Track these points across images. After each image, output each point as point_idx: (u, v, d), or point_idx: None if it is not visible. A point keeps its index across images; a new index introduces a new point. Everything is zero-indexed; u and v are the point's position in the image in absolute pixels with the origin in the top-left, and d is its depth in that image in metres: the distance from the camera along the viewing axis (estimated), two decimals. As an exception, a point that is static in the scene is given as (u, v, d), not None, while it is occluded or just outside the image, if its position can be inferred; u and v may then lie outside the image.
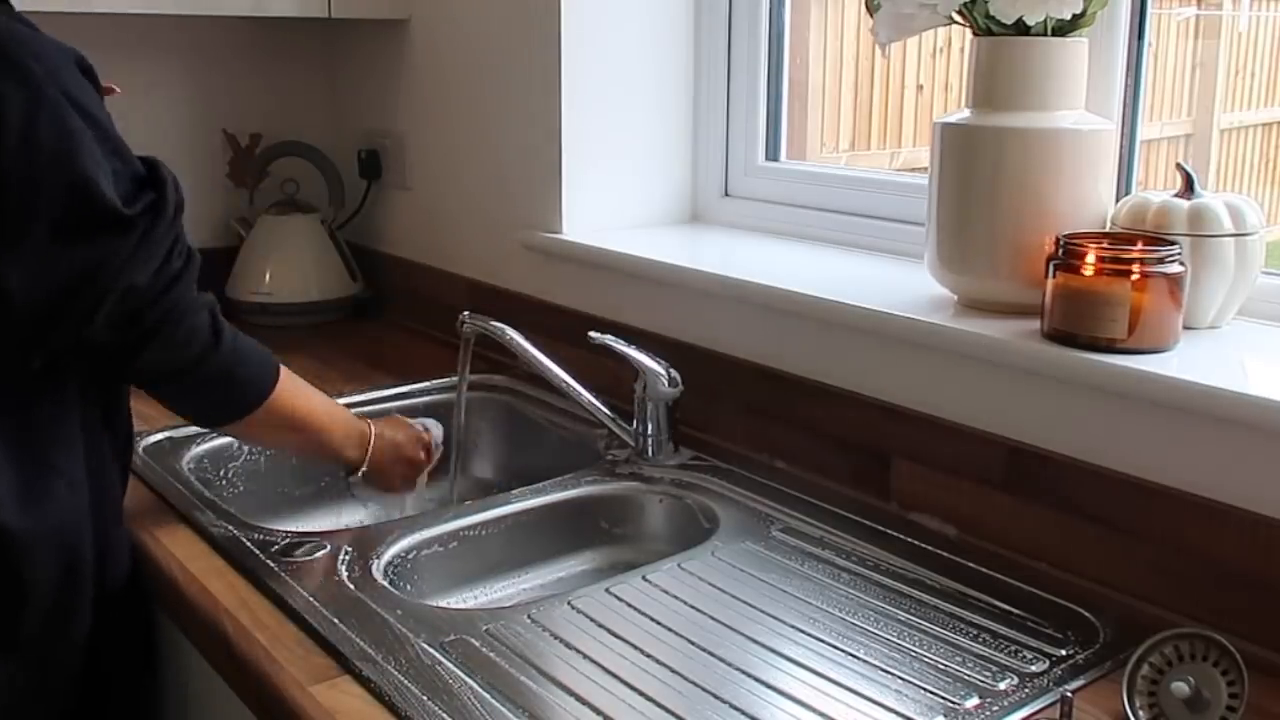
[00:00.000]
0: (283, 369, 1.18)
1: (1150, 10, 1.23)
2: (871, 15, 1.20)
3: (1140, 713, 0.85)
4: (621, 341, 1.36)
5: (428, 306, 1.94)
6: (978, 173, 1.15)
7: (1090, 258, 1.06)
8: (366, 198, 2.10)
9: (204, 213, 2.04)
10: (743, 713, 0.87)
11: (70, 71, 0.98)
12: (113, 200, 0.98)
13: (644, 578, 1.09)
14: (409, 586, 1.16)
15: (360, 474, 1.29)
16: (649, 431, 1.36)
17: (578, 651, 0.96)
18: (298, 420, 1.21)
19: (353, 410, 1.33)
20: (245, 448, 1.46)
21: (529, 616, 1.01)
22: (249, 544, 1.15)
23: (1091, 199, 1.14)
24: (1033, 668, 0.93)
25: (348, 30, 2.07)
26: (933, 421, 1.19)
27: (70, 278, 0.97)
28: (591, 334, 1.37)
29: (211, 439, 1.43)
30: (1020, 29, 1.11)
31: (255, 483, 1.48)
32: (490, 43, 1.75)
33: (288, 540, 1.16)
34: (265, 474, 1.49)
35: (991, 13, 1.11)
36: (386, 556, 1.15)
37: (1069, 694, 0.85)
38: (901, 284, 1.31)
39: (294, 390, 1.20)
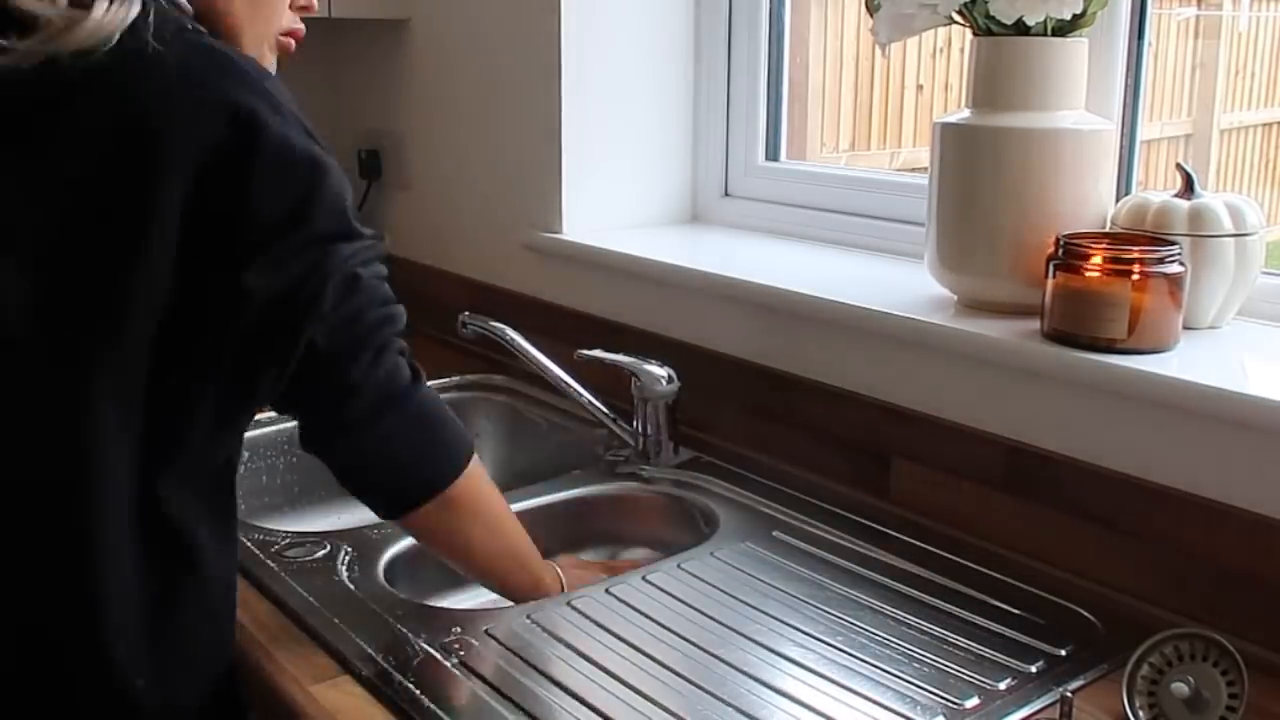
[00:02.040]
0: None
1: (1150, 10, 1.23)
2: (871, 15, 1.20)
3: (1140, 713, 0.86)
4: (609, 353, 1.36)
5: (428, 306, 1.94)
6: (978, 173, 1.15)
7: (1090, 258, 1.06)
8: (366, 198, 2.10)
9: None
10: (743, 713, 0.87)
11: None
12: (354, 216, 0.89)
13: (644, 578, 1.09)
14: (409, 586, 1.16)
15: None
16: (648, 432, 1.37)
17: (578, 651, 0.96)
18: (495, 515, 1.03)
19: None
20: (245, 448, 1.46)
21: (529, 616, 1.01)
22: (249, 544, 1.15)
23: (1091, 199, 1.14)
24: (1033, 668, 0.93)
25: (348, 30, 2.07)
26: (933, 421, 1.19)
27: (303, 268, 0.85)
28: (579, 352, 1.37)
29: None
30: (1020, 29, 1.11)
31: (255, 483, 1.48)
32: (490, 43, 1.75)
33: (288, 540, 1.16)
34: (265, 475, 1.49)
35: (991, 13, 1.11)
36: (386, 556, 1.14)
37: (1069, 694, 0.85)
38: (901, 284, 1.31)
39: (484, 475, 1.03)
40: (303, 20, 1.01)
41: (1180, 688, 0.84)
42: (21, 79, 0.78)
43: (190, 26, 0.85)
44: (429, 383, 1.00)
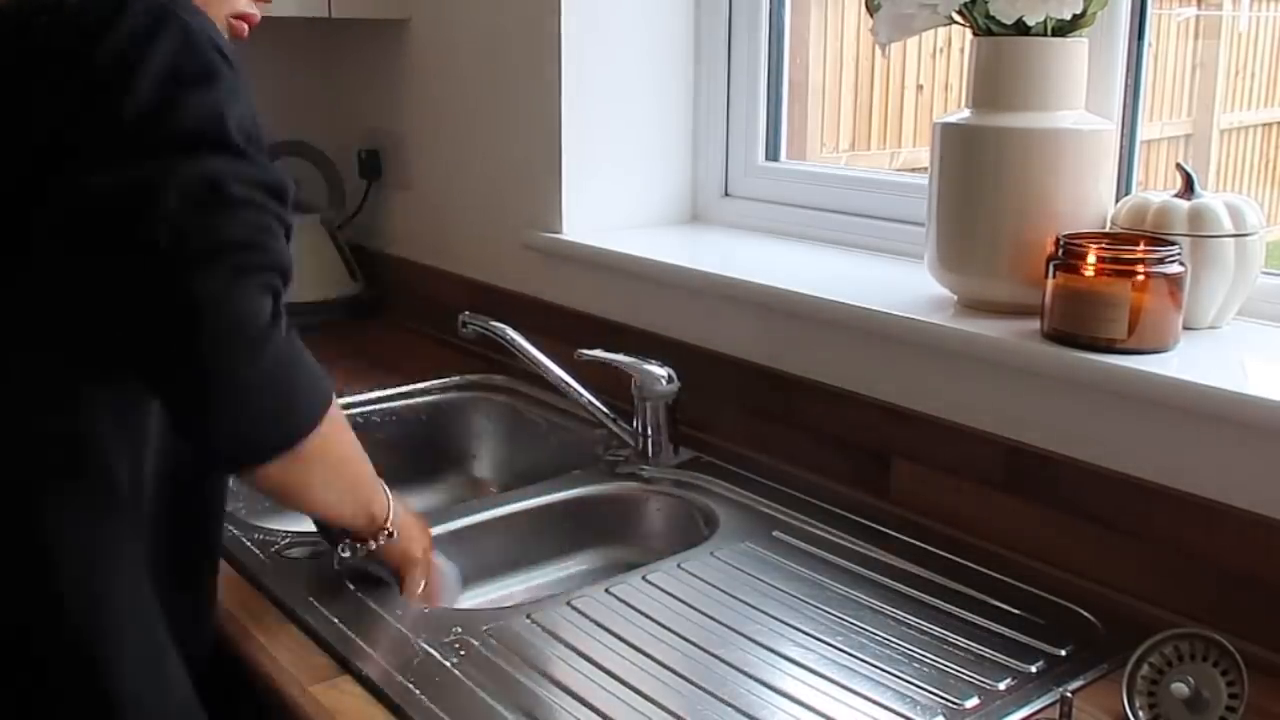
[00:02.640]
0: None
1: (1150, 10, 1.23)
2: (871, 15, 1.20)
3: (1140, 713, 0.86)
4: (609, 354, 1.36)
5: (428, 306, 1.94)
6: (978, 173, 1.15)
7: (1090, 258, 1.06)
8: (367, 198, 2.10)
9: (204, 213, 2.03)
10: (743, 713, 0.87)
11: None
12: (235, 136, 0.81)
13: (644, 578, 1.09)
14: (409, 586, 1.16)
15: (385, 536, 1.04)
16: (648, 432, 1.36)
17: (578, 651, 0.96)
18: (336, 462, 0.95)
19: (347, 412, 1.31)
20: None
21: (529, 616, 1.01)
22: (249, 544, 1.15)
23: (1091, 199, 1.14)
24: (1033, 668, 0.93)
25: (348, 30, 2.07)
26: (933, 421, 1.19)
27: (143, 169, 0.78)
28: (579, 352, 1.37)
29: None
30: (1020, 29, 1.11)
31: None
32: (490, 43, 1.75)
33: (288, 540, 1.16)
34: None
35: (991, 13, 1.11)
36: (386, 556, 1.14)
37: (1069, 694, 0.85)
38: (901, 284, 1.31)
39: (336, 418, 0.92)
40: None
41: (1180, 688, 0.84)
42: None
43: None
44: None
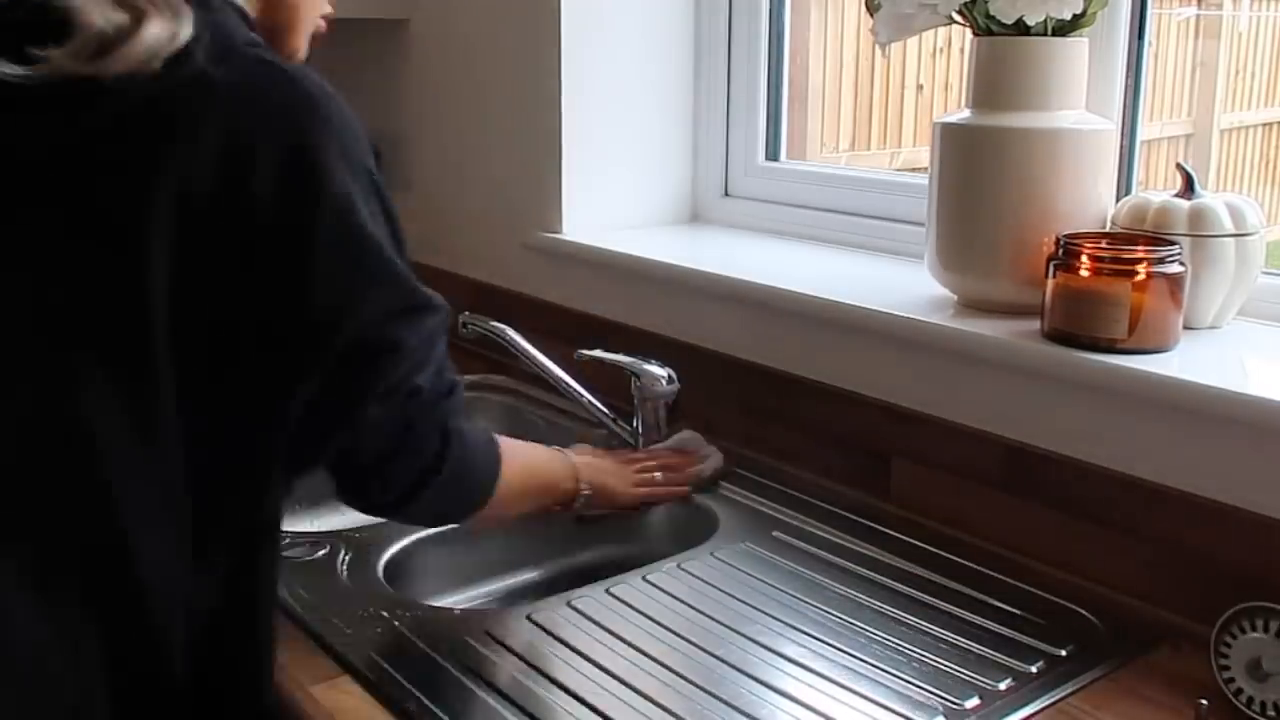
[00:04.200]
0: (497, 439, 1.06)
1: (1150, 10, 1.23)
2: (871, 15, 1.20)
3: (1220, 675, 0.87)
4: (609, 354, 1.36)
5: (428, 306, 1.93)
6: (978, 173, 1.15)
7: (1090, 258, 1.06)
8: (366, 198, 2.10)
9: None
10: (743, 713, 0.87)
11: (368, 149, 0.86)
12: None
13: (644, 578, 1.09)
14: (409, 586, 1.16)
15: (582, 497, 1.19)
16: (648, 432, 1.36)
17: (578, 651, 0.96)
18: (518, 488, 1.08)
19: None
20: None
21: (529, 616, 1.01)
22: (249, 544, 1.15)
23: (1092, 199, 1.14)
24: (1033, 668, 0.93)
25: (348, 30, 2.07)
26: (933, 421, 1.19)
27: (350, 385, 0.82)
28: (579, 352, 1.37)
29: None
30: (1020, 29, 1.11)
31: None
32: (490, 43, 1.75)
33: (288, 540, 1.16)
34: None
35: (991, 13, 1.11)
36: (386, 556, 1.14)
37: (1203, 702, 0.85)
38: (901, 284, 1.31)
39: (512, 451, 1.07)
40: None
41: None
42: (50, 125, 0.72)
43: (246, 41, 0.79)
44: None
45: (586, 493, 1.18)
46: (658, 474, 1.27)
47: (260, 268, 0.75)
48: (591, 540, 1.31)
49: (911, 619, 1.01)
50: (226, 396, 0.77)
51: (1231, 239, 1.08)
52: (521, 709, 0.87)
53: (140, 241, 0.71)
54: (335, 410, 0.81)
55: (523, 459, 1.12)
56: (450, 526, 1.20)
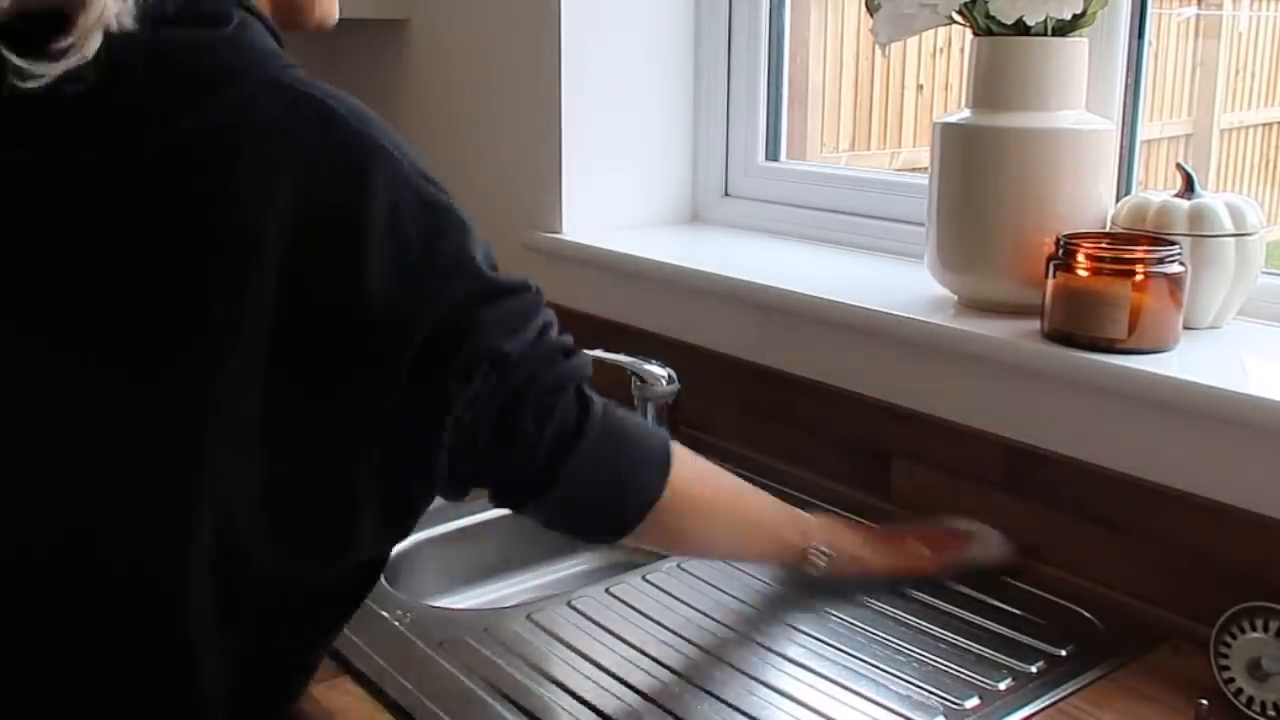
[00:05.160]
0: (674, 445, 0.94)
1: (1150, 10, 1.23)
2: (871, 15, 1.20)
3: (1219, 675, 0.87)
4: (609, 354, 1.35)
5: (428, 306, 1.93)
6: (978, 173, 1.15)
7: (1090, 258, 1.06)
8: (366, 198, 2.09)
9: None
10: (743, 713, 0.87)
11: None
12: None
13: (644, 578, 1.09)
14: (409, 586, 1.16)
15: (823, 558, 1.02)
16: (649, 431, 1.36)
17: (578, 651, 0.96)
18: (710, 499, 0.97)
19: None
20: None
21: (529, 616, 1.01)
22: (249, 544, 1.15)
23: (1092, 199, 1.14)
24: (1033, 668, 0.93)
25: (348, 30, 2.07)
26: (933, 421, 1.19)
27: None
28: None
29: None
30: (1020, 29, 1.11)
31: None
32: (490, 43, 1.75)
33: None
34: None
35: (991, 13, 1.11)
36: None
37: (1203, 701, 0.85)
38: (901, 284, 1.31)
39: (690, 462, 0.95)
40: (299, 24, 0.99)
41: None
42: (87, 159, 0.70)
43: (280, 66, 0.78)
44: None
45: (825, 554, 1.02)
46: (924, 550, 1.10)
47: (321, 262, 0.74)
48: (591, 540, 1.32)
49: (912, 619, 1.01)
50: (319, 416, 0.73)
51: (1231, 239, 1.08)
52: (521, 709, 0.87)
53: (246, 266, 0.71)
54: (426, 401, 0.76)
55: (723, 479, 1.00)
56: (455, 529, 1.19)
